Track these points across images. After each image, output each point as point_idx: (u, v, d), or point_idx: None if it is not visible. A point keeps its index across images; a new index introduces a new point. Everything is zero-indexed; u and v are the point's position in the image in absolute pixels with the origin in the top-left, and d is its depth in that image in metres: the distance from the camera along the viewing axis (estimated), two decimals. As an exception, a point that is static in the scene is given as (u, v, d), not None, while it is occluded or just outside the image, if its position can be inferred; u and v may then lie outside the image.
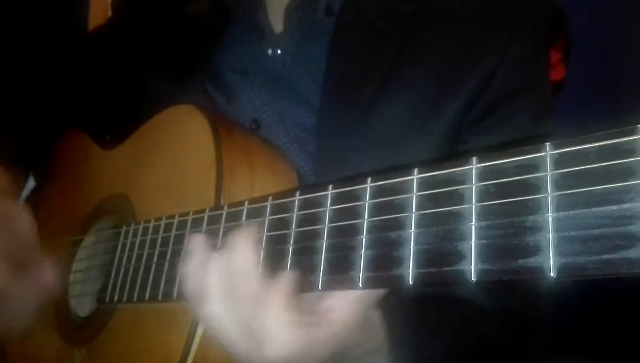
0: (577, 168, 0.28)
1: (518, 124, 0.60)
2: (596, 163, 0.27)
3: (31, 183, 0.81)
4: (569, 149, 0.29)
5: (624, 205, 0.26)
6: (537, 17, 0.61)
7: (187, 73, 0.69)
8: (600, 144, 0.28)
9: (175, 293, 0.50)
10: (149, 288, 0.53)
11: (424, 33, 0.61)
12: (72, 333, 0.64)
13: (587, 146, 0.28)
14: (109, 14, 1.36)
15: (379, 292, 0.39)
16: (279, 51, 0.66)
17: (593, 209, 0.27)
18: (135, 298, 0.54)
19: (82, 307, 0.66)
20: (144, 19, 0.78)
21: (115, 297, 0.56)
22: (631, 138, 0.26)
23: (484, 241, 0.30)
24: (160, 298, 0.51)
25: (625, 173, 0.26)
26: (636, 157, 0.26)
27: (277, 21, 0.67)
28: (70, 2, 1.28)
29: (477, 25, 0.60)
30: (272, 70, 0.66)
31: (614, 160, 0.27)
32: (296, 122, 0.64)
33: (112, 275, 0.58)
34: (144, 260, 0.55)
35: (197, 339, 0.49)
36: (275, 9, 0.67)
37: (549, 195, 0.29)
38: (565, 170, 0.28)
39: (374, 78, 0.60)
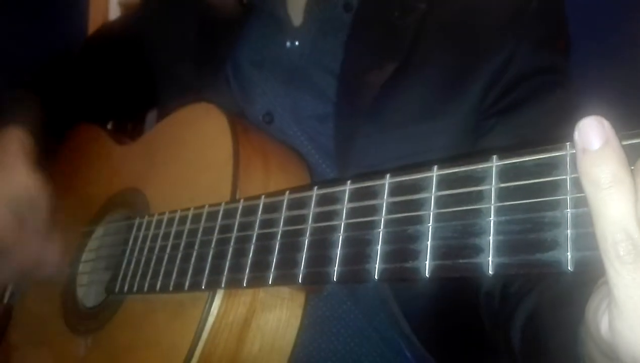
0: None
1: (537, 105, 0.61)
2: (615, 162, 0.28)
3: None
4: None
5: (642, 202, 0.27)
6: (548, 6, 0.63)
7: (210, 64, 0.71)
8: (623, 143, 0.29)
9: (187, 285, 0.50)
10: (160, 278, 0.53)
11: (438, 26, 0.63)
12: (78, 322, 0.64)
13: (606, 146, 0.29)
14: (109, 14, 1.39)
15: None
16: (296, 43, 0.68)
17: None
18: (145, 289, 0.54)
19: (90, 297, 0.66)
20: (167, 10, 0.80)
21: (125, 287, 0.57)
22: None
23: (502, 235, 0.31)
24: (171, 288, 0.52)
25: (644, 172, 0.27)
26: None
27: (296, 14, 0.69)
28: (70, 3, 1.30)
29: (492, 16, 0.63)
30: (288, 62, 0.68)
31: (635, 159, 0.28)
32: (310, 114, 0.66)
33: (123, 266, 0.58)
34: (156, 251, 0.55)
35: (206, 331, 0.49)
36: (295, 2, 0.69)
37: (568, 194, 0.29)
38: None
39: (388, 66, 0.62)
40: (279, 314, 0.53)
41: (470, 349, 0.65)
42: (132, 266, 0.57)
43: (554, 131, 0.60)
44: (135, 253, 0.58)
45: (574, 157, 0.30)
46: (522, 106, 0.61)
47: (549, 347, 0.45)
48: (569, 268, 0.28)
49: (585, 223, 0.28)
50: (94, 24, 1.31)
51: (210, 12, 0.73)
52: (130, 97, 0.86)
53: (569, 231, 0.29)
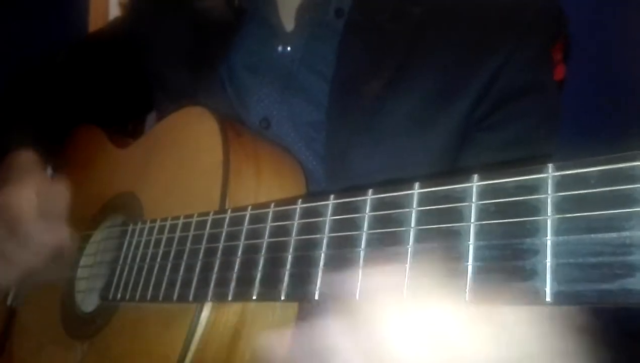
0: (578, 192, 0.27)
1: (525, 122, 0.61)
2: (598, 188, 0.27)
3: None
4: (571, 172, 0.28)
5: (624, 233, 0.25)
6: (542, 20, 0.62)
7: (205, 69, 0.70)
8: (603, 168, 0.27)
9: (175, 296, 0.50)
10: (150, 289, 0.53)
11: (432, 34, 0.62)
12: (75, 327, 0.64)
13: (589, 170, 0.27)
14: (109, 14, 1.38)
15: None
16: (288, 48, 0.67)
17: (592, 236, 0.26)
18: (137, 298, 0.54)
19: (88, 302, 0.66)
20: (159, 15, 0.79)
21: (119, 295, 0.57)
22: (633, 164, 0.26)
23: (481, 261, 0.30)
24: (161, 299, 0.51)
25: (627, 200, 0.26)
26: (638, 183, 0.25)
27: (288, 20, 0.68)
28: (70, 2, 1.30)
29: (484, 27, 0.61)
30: (281, 67, 0.67)
31: (616, 186, 0.26)
32: (305, 120, 0.65)
33: (117, 273, 0.58)
34: (147, 259, 0.55)
35: (195, 341, 0.49)
36: (287, 8, 0.68)
37: (549, 218, 0.28)
38: (566, 193, 0.28)
39: (382, 76, 0.61)
40: (270, 323, 0.53)
41: None
42: (125, 274, 0.57)
43: (535, 147, 0.61)
44: (129, 260, 0.58)
45: (555, 180, 0.28)
46: (509, 125, 0.61)
47: None
48: (547, 299, 0.27)
49: (565, 252, 0.27)
50: (94, 24, 1.31)
51: (203, 18, 0.72)
52: (121, 104, 0.86)
53: (548, 259, 0.27)
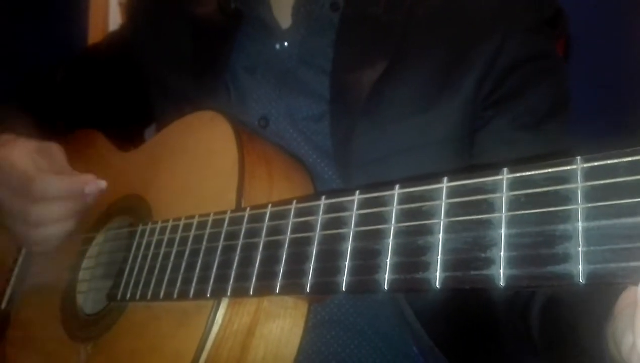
0: (607, 181, 0.29)
1: (531, 94, 0.63)
2: (625, 177, 0.29)
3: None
4: (600, 163, 0.30)
5: (654, 216, 0.27)
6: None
7: (208, 74, 0.71)
8: (629, 159, 0.29)
9: (192, 293, 0.50)
10: (164, 286, 0.53)
11: (426, 21, 0.64)
12: (78, 329, 0.64)
13: (616, 161, 0.30)
14: (109, 14, 1.39)
15: None
16: (286, 44, 0.69)
17: (622, 220, 0.28)
18: (149, 296, 0.54)
19: (89, 304, 0.66)
20: (158, 23, 0.80)
21: (128, 295, 0.57)
22: (660, 154, 0.28)
23: (513, 248, 0.32)
24: (175, 296, 0.52)
25: (655, 187, 0.28)
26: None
27: (283, 18, 0.70)
28: (70, 3, 1.30)
29: (481, 5, 0.64)
30: (279, 64, 0.69)
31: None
32: (305, 115, 0.67)
33: (126, 273, 0.58)
34: (160, 258, 0.55)
35: (210, 339, 0.49)
36: (282, 6, 0.70)
37: (579, 206, 0.30)
38: (595, 182, 0.30)
39: (381, 65, 0.63)
40: (283, 323, 0.53)
41: (479, 342, 0.66)
42: (134, 273, 0.57)
43: (551, 117, 0.63)
44: (138, 260, 0.58)
45: (584, 171, 0.30)
46: (517, 96, 0.62)
47: (572, 337, 0.46)
48: (581, 281, 0.29)
49: (596, 236, 0.29)
50: (94, 24, 1.32)
51: (201, 23, 0.74)
52: (122, 118, 0.86)
53: (580, 243, 0.29)
